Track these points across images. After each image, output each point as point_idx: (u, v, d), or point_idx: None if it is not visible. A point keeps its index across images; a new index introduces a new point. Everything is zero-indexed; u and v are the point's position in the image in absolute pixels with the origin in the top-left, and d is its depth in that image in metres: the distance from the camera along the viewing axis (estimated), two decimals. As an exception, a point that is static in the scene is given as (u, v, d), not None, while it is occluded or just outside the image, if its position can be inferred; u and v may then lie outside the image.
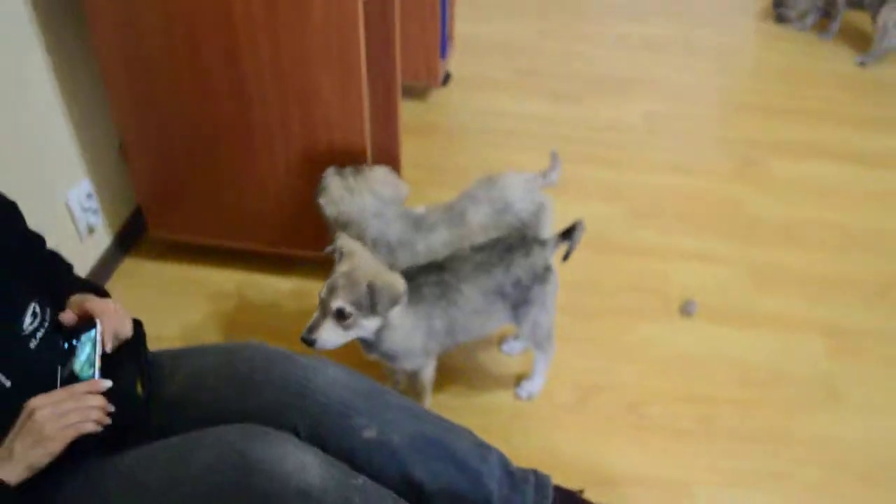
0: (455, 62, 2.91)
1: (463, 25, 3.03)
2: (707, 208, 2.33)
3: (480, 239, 1.61)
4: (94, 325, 1.16)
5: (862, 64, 3.18)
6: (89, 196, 1.90)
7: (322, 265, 1.97)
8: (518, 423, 1.68)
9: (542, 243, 1.59)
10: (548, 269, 1.58)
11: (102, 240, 2.00)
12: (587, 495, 1.45)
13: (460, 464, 1.31)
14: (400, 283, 1.41)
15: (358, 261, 1.41)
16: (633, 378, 1.80)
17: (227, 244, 1.99)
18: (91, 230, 1.93)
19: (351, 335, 1.41)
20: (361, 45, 1.56)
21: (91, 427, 1.07)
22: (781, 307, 2.01)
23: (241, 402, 1.23)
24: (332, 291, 1.37)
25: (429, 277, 1.53)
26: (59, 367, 1.14)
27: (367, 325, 1.42)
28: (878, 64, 3.18)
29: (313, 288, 1.97)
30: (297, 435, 1.20)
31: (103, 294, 1.30)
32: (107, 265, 2.00)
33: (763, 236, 2.24)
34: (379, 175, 1.67)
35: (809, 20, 3.41)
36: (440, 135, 2.57)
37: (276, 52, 1.58)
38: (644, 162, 2.49)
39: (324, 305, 1.38)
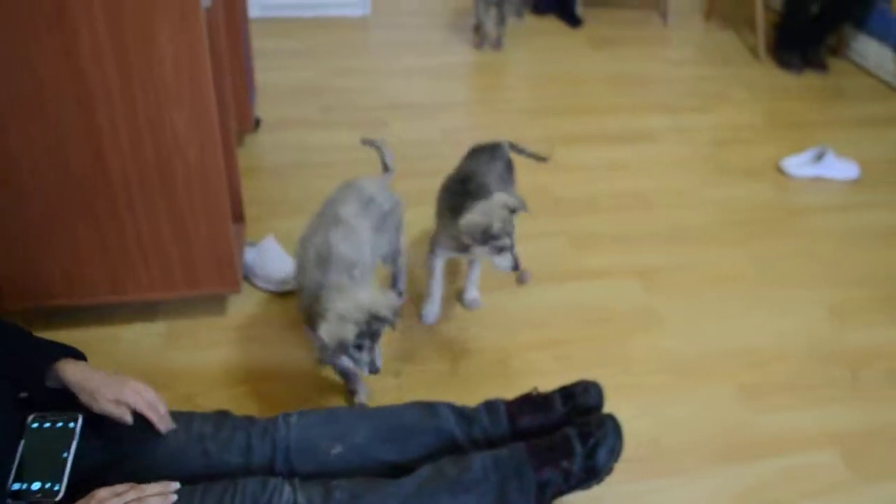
0: (261, 108, 3.17)
1: (261, 75, 3.32)
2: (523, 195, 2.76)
3: (361, 231, 1.88)
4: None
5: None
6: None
7: (190, 302, 2.15)
8: (409, 396, 1.95)
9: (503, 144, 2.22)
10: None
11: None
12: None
13: (417, 430, 1.63)
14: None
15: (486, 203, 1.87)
16: (494, 340, 2.15)
17: (84, 302, 2.09)
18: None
19: None
20: (211, 88, 1.79)
21: None
22: (600, 262, 2.47)
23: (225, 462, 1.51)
24: (510, 232, 1.85)
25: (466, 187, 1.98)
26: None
27: None
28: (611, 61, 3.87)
29: (187, 327, 2.13)
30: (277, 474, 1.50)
31: (79, 356, 1.49)
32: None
33: (572, 211, 2.71)
34: None
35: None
36: (265, 174, 2.81)
37: (132, 101, 1.78)
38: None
39: (509, 241, 1.85)
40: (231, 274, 2.09)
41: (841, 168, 3.06)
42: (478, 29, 3.99)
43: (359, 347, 1.63)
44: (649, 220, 2.70)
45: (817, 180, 3.03)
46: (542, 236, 2.57)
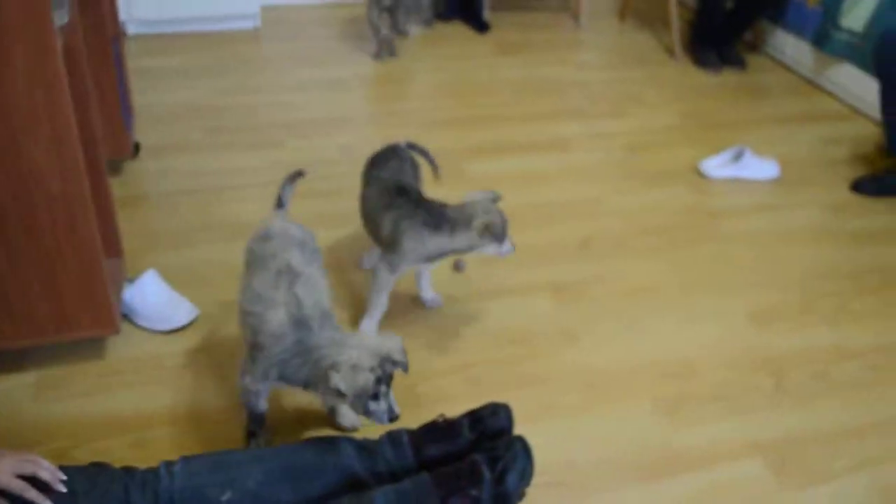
0: (141, 132, 3.15)
1: (141, 96, 3.31)
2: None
3: (316, 278, 1.85)
4: None
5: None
6: None
7: (64, 348, 2.11)
8: (309, 433, 1.96)
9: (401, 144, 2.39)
10: None
11: None
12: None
13: (315, 468, 1.66)
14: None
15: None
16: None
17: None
18: None
19: None
20: (71, 113, 1.78)
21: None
22: (513, 278, 2.52)
23: None
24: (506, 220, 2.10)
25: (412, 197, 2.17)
26: None
27: None
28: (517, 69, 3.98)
29: (61, 375, 2.08)
30: None
31: None
32: None
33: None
34: None
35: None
36: (146, 203, 2.78)
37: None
38: (354, 189, 2.91)
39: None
40: (107, 314, 2.06)
41: (760, 168, 3.20)
42: (377, 36, 4.06)
43: (375, 396, 1.65)
44: (563, 232, 2.77)
45: (736, 181, 3.17)
46: (451, 255, 2.61)
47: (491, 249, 2.11)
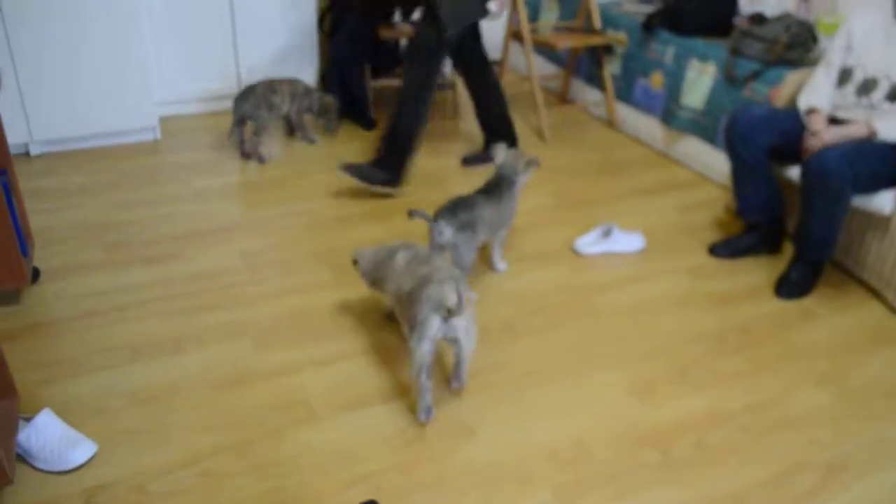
0: (41, 256, 2.88)
1: (42, 217, 3.04)
2: (322, 316, 2.62)
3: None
4: None
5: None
6: None
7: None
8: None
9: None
10: None
11: None
12: None
13: None
14: None
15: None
16: (304, 484, 1.96)
17: None
18: None
19: None
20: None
21: None
22: (395, 377, 2.35)
23: None
24: None
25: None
26: None
27: None
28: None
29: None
30: None
31: None
32: None
33: (377, 322, 2.59)
34: None
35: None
36: (44, 331, 2.51)
37: None
38: (254, 295, 2.71)
39: None
40: (-3, 466, 1.80)
41: (628, 241, 3.14)
42: (241, 143, 3.94)
43: None
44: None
45: (608, 256, 3.10)
46: (345, 357, 2.43)
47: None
